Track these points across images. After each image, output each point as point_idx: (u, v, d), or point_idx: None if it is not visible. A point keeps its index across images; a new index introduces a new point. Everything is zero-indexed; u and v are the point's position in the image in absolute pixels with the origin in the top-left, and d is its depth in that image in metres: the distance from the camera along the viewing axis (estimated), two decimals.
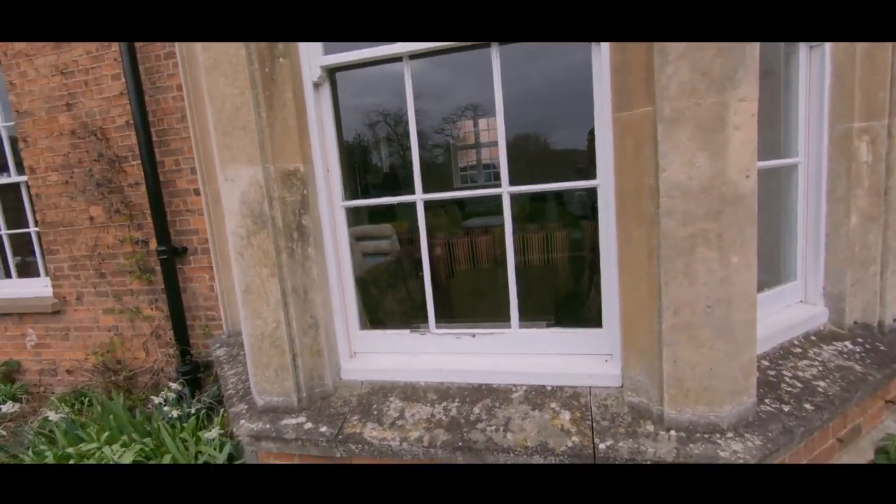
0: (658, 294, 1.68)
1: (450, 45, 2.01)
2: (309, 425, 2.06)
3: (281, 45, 1.99)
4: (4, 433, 3.01)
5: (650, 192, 1.66)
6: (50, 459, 2.60)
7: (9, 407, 3.24)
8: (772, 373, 2.03)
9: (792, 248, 2.43)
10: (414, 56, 2.10)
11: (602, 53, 1.79)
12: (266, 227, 2.02)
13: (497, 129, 2.07)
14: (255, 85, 1.95)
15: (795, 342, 2.26)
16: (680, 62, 1.52)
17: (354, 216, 2.50)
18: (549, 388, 2.04)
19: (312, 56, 2.10)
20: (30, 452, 2.85)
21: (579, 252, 4.32)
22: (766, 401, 1.85)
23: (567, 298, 3.32)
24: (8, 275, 4.63)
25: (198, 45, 2.03)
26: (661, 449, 1.66)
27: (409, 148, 2.22)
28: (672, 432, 1.72)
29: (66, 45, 3.69)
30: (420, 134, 2.17)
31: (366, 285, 2.80)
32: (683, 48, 1.51)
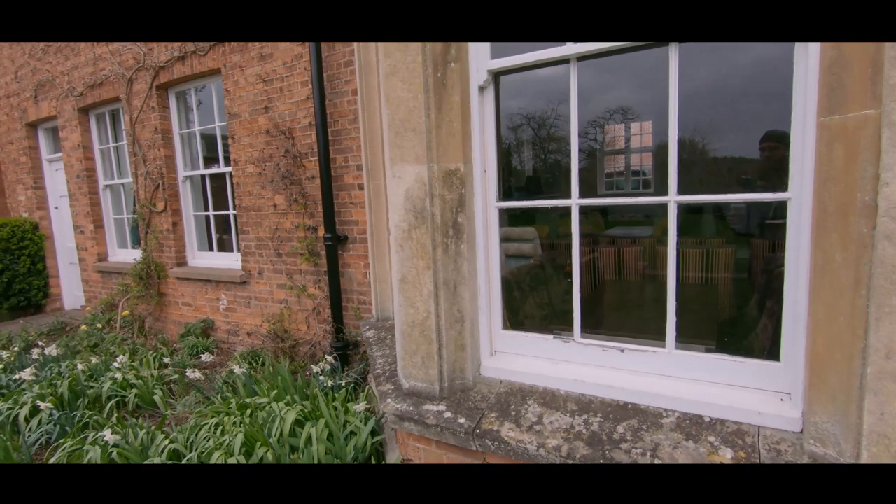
0: (864, 332, 1.42)
1: (621, 45, 1.93)
2: (448, 414, 2.15)
3: (453, 49, 2.10)
4: (203, 377, 3.66)
5: (864, 209, 1.41)
6: (233, 406, 3.09)
7: (206, 357, 3.93)
8: None
9: None
10: (582, 58, 2.06)
11: (809, 48, 1.57)
12: (426, 223, 2.15)
13: (669, 133, 1.93)
14: (427, 89, 2.09)
15: None
16: None
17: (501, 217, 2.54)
18: (706, 420, 1.85)
19: (481, 60, 2.17)
20: (218, 397, 3.42)
21: (743, 273, 3.84)
22: None
23: (730, 324, 2.97)
24: (210, 248, 5.61)
25: (379, 54, 2.23)
26: None
27: (554, 151, 2.19)
28: None
29: (269, 57, 4.34)
30: (562, 139, 2.13)
31: (509, 287, 2.83)
32: None
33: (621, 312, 3.25)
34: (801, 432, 1.69)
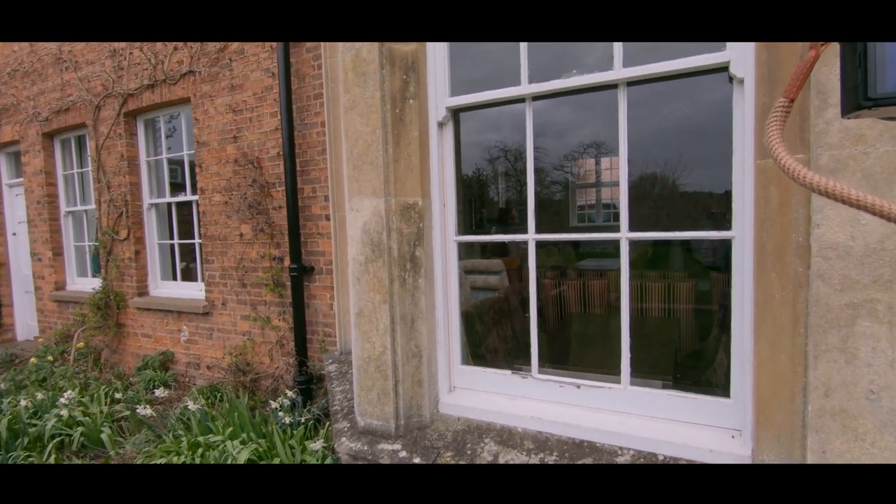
0: (804, 369, 1.44)
1: (573, 86, 1.99)
2: (403, 454, 2.08)
3: (412, 86, 2.14)
4: (154, 414, 3.49)
5: (798, 250, 1.45)
6: (184, 445, 2.95)
7: (161, 392, 3.77)
8: None
9: None
10: (537, 97, 2.11)
11: (745, 93, 1.64)
12: (382, 256, 2.13)
13: (619, 171, 1.98)
14: (385, 124, 2.11)
15: None
16: None
17: (466, 249, 2.54)
18: (660, 458, 1.83)
19: (440, 97, 2.21)
20: (170, 435, 3.26)
21: (706, 306, 3.90)
22: None
23: (689, 358, 2.99)
24: (174, 277, 5.46)
25: (340, 87, 2.26)
26: None
27: (525, 184, 2.21)
28: None
29: (239, 88, 4.35)
30: (538, 170, 2.16)
31: (471, 320, 2.81)
32: None
33: (584, 346, 3.25)
34: None
